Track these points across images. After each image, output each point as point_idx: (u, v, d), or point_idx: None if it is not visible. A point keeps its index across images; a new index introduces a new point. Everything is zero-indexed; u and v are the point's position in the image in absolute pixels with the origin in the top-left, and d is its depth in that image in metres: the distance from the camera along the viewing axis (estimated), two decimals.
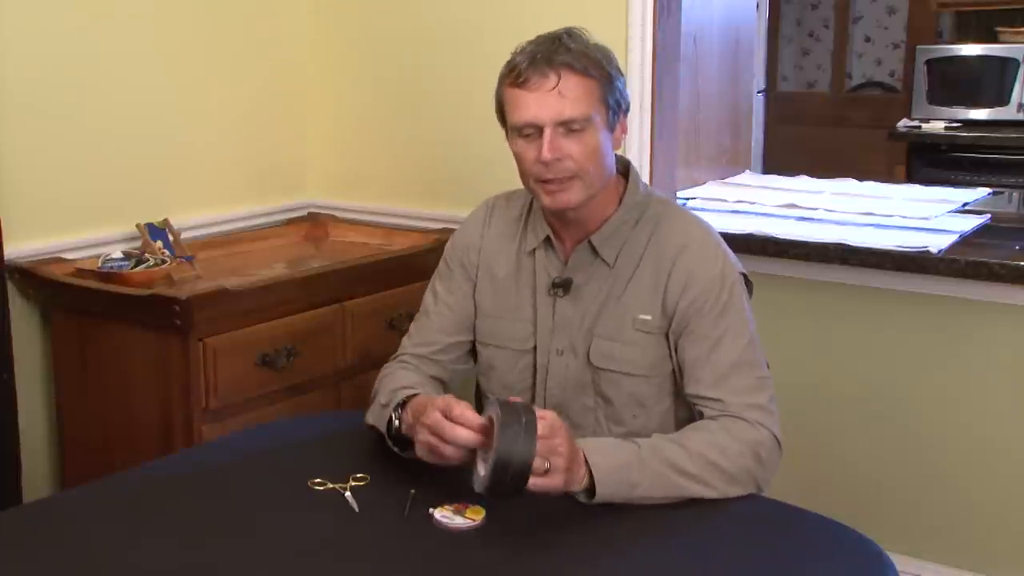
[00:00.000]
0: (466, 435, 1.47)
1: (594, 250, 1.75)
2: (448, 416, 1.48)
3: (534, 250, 1.80)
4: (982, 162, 4.60)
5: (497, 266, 1.84)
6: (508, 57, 1.74)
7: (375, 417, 1.73)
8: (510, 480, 1.39)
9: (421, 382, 1.76)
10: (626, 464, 1.53)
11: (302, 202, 3.19)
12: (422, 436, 1.52)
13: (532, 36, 1.76)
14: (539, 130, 1.65)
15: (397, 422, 1.64)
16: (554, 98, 1.63)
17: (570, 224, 1.76)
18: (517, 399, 1.51)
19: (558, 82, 1.63)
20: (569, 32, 1.70)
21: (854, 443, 2.61)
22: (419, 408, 1.58)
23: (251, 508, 1.54)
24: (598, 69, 1.67)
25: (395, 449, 1.64)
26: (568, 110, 1.64)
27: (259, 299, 2.41)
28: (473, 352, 1.89)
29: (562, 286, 1.77)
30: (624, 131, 1.77)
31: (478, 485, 1.43)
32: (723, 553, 1.46)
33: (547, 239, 1.79)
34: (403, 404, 1.65)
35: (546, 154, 1.64)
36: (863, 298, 2.55)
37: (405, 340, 1.90)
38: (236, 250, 2.89)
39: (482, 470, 1.43)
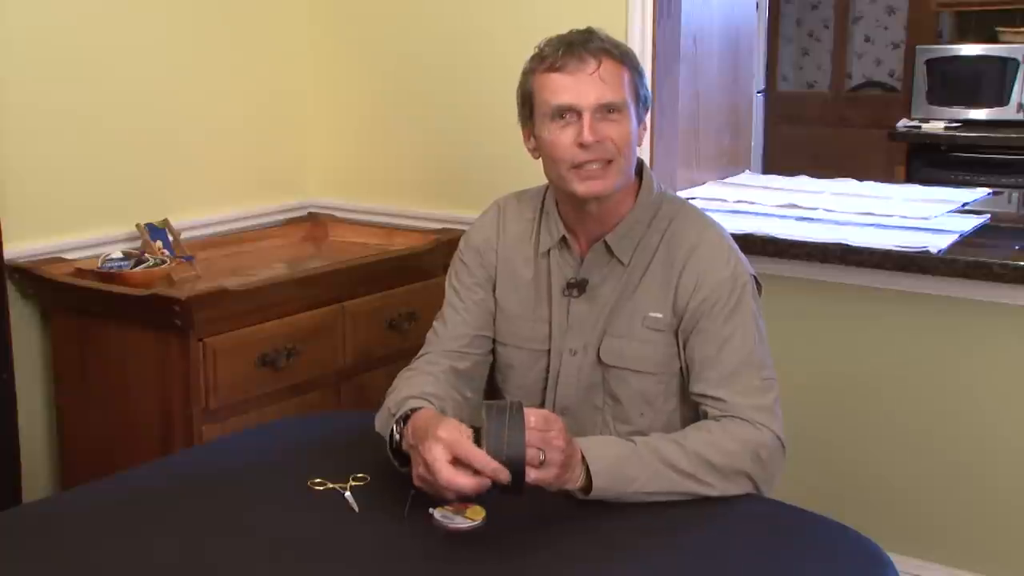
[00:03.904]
0: (465, 483, 1.42)
1: (609, 250, 1.75)
2: (453, 451, 1.43)
3: (549, 250, 1.80)
4: (982, 162, 4.60)
5: (515, 267, 1.84)
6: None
7: (381, 425, 1.68)
8: (507, 477, 1.39)
9: (437, 393, 1.69)
10: (622, 459, 1.54)
11: (302, 202, 3.19)
12: (420, 471, 1.47)
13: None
14: (577, 114, 1.65)
15: (398, 437, 1.59)
16: (595, 81, 1.64)
17: (588, 221, 1.75)
18: (513, 400, 1.50)
19: (598, 67, 1.65)
20: (596, 29, 1.71)
21: (853, 443, 2.61)
22: (420, 432, 1.51)
23: (251, 508, 1.54)
24: (630, 60, 1.70)
25: (395, 463, 1.60)
26: (608, 94, 1.65)
27: (259, 299, 2.41)
28: (492, 349, 1.88)
29: (577, 287, 1.77)
30: (645, 130, 1.78)
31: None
32: (723, 553, 1.46)
33: (562, 239, 1.79)
34: (406, 418, 1.60)
35: (588, 136, 1.64)
36: (863, 298, 2.55)
37: (431, 336, 1.86)
38: (236, 250, 2.89)
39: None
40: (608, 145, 1.66)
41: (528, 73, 1.71)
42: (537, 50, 1.71)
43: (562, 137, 1.66)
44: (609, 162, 1.67)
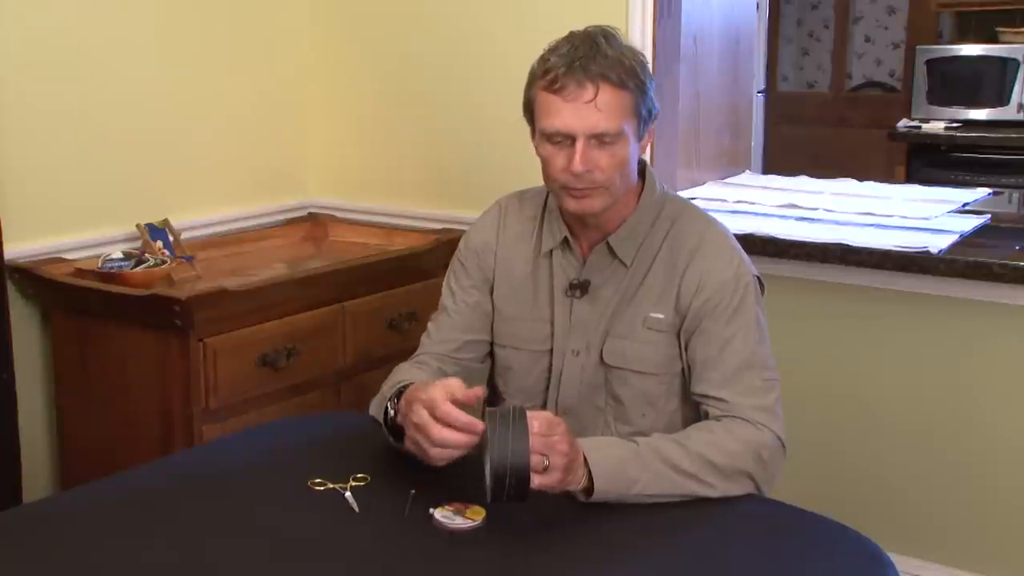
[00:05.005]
0: (453, 437, 1.46)
1: (612, 251, 1.75)
2: (433, 415, 1.48)
3: (551, 251, 1.80)
4: (982, 162, 4.60)
5: (514, 268, 1.84)
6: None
7: (375, 408, 1.73)
8: (511, 485, 1.39)
9: (421, 378, 1.74)
10: (624, 461, 1.54)
11: (302, 202, 3.19)
12: (410, 433, 1.52)
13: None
14: (570, 139, 1.64)
15: (392, 412, 1.63)
16: (590, 110, 1.62)
17: (589, 226, 1.76)
18: (515, 405, 1.50)
19: (596, 95, 1.62)
20: (605, 34, 1.67)
21: (853, 443, 2.61)
22: (410, 397, 1.56)
23: (251, 508, 1.54)
24: (634, 79, 1.65)
25: (390, 439, 1.64)
26: (603, 124, 1.63)
27: (259, 299, 2.41)
28: (491, 352, 1.88)
29: (580, 287, 1.77)
30: (651, 137, 1.76)
31: (488, 495, 1.43)
32: (723, 553, 1.46)
33: (564, 240, 1.79)
34: (399, 394, 1.64)
35: (578, 166, 1.63)
36: (863, 298, 2.55)
37: (424, 339, 1.88)
38: (236, 250, 2.89)
39: (488, 479, 1.43)
40: (597, 174, 1.65)
41: (532, 80, 1.69)
42: (546, 51, 1.68)
43: (556, 158, 1.67)
44: (598, 187, 1.67)
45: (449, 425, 1.47)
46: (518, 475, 1.39)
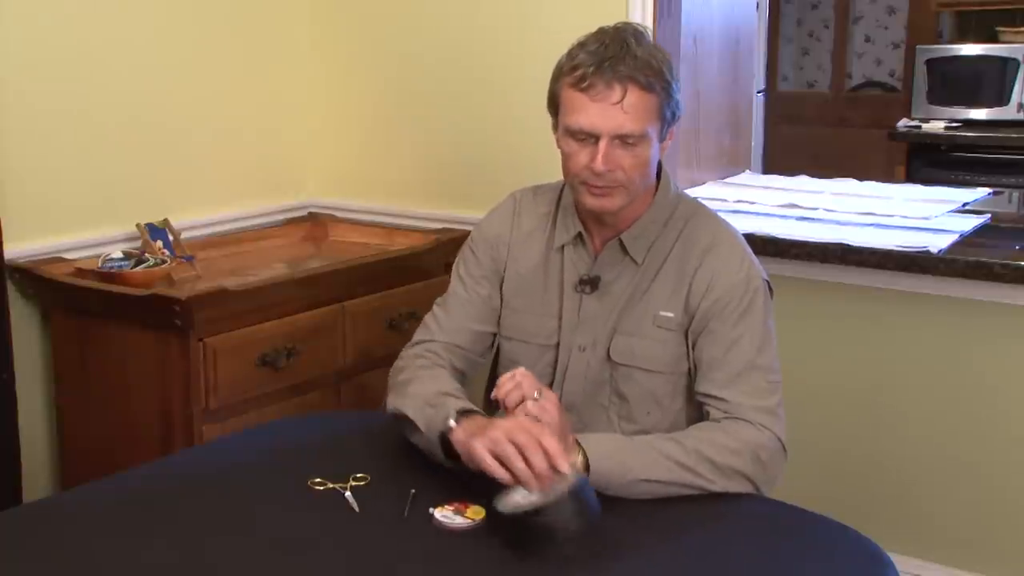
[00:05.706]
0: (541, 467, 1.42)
1: (624, 248, 1.76)
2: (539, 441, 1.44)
3: (563, 246, 1.81)
4: (982, 162, 4.60)
5: (525, 261, 1.84)
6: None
7: (418, 414, 1.63)
8: (530, 527, 1.40)
9: (459, 388, 1.71)
10: (621, 448, 1.56)
11: (302, 202, 3.19)
12: (496, 439, 1.45)
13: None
14: (594, 137, 1.64)
15: (454, 423, 1.55)
16: (617, 111, 1.62)
17: (603, 223, 1.77)
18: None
19: (623, 97, 1.62)
20: (635, 33, 1.67)
21: (853, 443, 2.61)
22: (478, 430, 1.50)
23: (251, 508, 1.54)
24: (661, 82, 1.66)
25: (439, 453, 1.58)
26: (628, 125, 1.63)
27: (259, 299, 2.41)
28: (495, 344, 1.89)
29: (590, 283, 1.77)
30: (671, 138, 1.76)
31: (503, 506, 1.41)
32: (723, 553, 1.46)
33: (578, 235, 1.79)
34: (465, 413, 1.57)
35: (600, 165, 1.64)
36: (863, 298, 2.55)
37: (432, 323, 1.86)
38: (236, 250, 2.89)
39: (518, 496, 1.41)
40: (618, 174, 1.66)
41: (559, 75, 1.69)
42: (575, 47, 1.68)
43: (578, 155, 1.67)
44: (618, 186, 1.67)
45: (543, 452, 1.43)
46: (551, 532, 1.39)
